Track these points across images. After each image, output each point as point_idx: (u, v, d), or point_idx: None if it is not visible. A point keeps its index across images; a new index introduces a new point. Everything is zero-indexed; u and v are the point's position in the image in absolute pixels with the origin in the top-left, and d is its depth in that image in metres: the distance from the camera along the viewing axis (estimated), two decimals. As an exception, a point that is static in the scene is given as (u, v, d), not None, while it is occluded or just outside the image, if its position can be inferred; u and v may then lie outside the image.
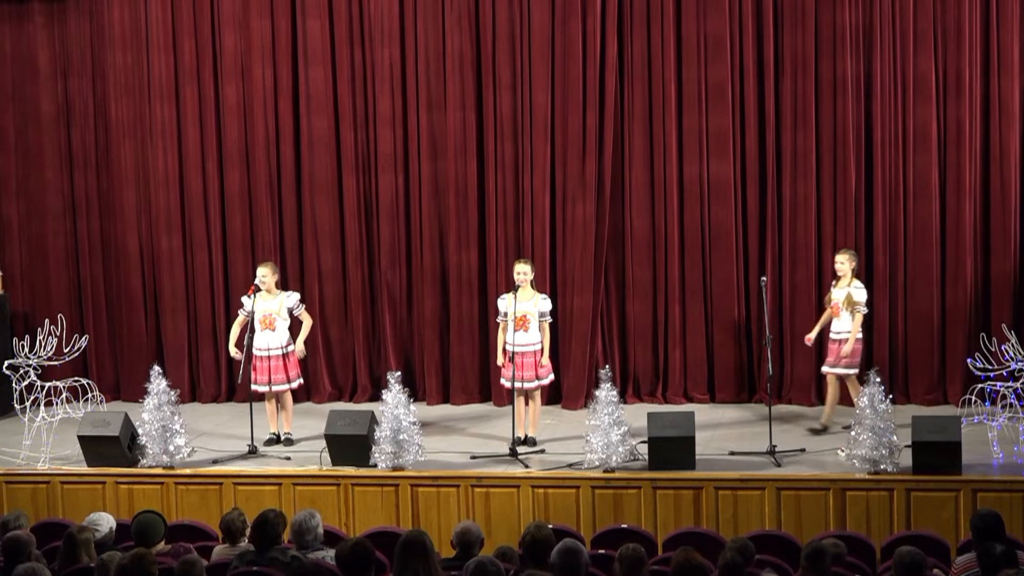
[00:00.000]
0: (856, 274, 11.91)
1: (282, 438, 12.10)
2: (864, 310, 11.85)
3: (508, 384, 11.85)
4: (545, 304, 11.90)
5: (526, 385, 11.80)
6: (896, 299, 13.05)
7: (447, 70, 13.43)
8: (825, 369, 11.99)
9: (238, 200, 13.87)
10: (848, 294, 11.77)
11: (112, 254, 14.19)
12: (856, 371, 11.88)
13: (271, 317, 11.97)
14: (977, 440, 11.05)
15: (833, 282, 11.98)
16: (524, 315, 11.73)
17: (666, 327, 13.42)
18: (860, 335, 11.86)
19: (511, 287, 11.96)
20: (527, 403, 11.92)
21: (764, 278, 12.12)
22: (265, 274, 11.99)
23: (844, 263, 11.85)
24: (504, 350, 11.88)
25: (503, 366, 11.92)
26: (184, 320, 14.00)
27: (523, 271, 11.82)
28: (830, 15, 12.90)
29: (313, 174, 13.75)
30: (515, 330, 11.70)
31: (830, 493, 10.65)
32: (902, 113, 12.88)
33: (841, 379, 11.93)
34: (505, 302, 11.86)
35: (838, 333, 11.82)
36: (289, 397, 12.20)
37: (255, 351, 11.99)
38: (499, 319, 11.95)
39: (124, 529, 9.34)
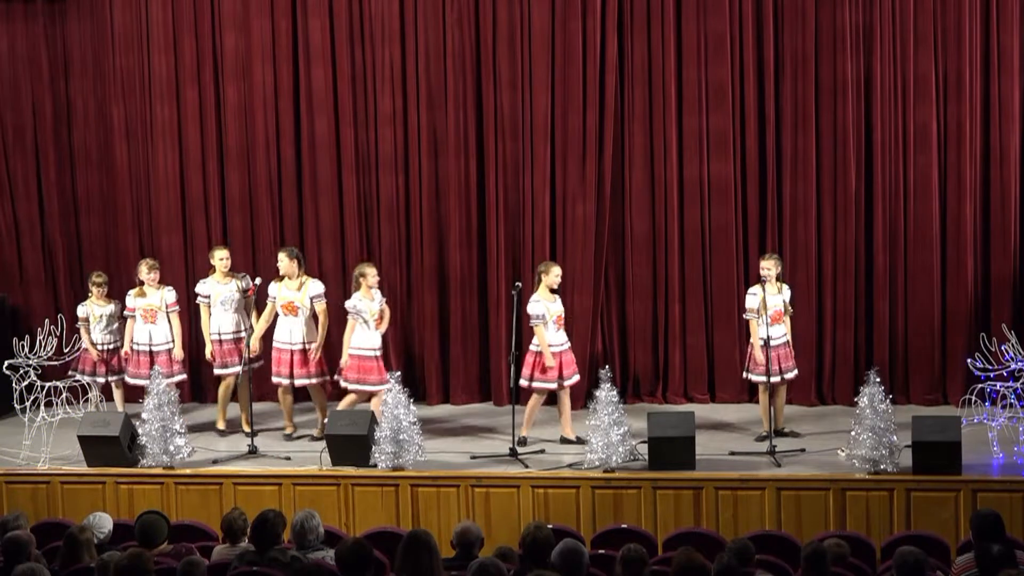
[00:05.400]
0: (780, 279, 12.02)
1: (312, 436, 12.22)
2: (791, 311, 12.09)
3: (552, 386, 11.84)
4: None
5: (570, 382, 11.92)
6: (896, 299, 13.06)
7: (447, 70, 13.43)
8: (780, 378, 11.86)
9: (238, 200, 13.87)
10: (784, 301, 11.85)
11: (113, 254, 14.18)
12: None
13: (293, 304, 12.10)
14: (977, 440, 11.06)
15: (759, 288, 11.81)
16: (560, 315, 11.88)
17: (666, 327, 13.43)
18: None
19: (511, 287, 12.01)
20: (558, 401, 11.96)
21: (764, 278, 12.12)
22: (281, 258, 12.20)
23: (772, 268, 11.82)
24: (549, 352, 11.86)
25: (552, 367, 11.88)
26: (184, 320, 13.96)
27: (558, 273, 11.94)
28: (830, 15, 12.91)
29: (313, 174, 13.75)
30: (557, 330, 11.84)
31: (830, 493, 10.66)
32: (902, 113, 12.89)
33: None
34: (542, 305, 11.84)
35: (780, 338, 11.84)
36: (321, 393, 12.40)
37: (276, 342, 12.15)
38: (535, 322, 11.88)
39: (124, 529, 9.35)
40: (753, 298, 11.85)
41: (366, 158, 13.70)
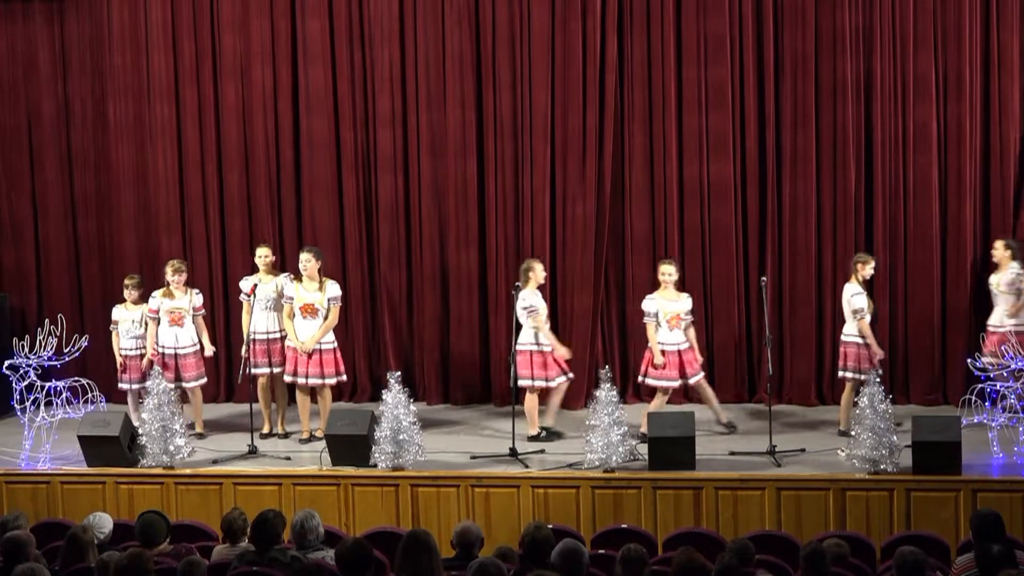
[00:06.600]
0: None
1: (313, 435, 12.14)
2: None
3: (675, 384, 11.97)
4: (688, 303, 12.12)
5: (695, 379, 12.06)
6: (896, 299, 13.05)
7: (447, 70, 13.43)
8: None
9: (238, 200, 13.86)
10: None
11: (111, 255, 14.17)
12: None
13: (313, 306, 12.05)
14: (977, 440, 11.06)
15: (859, 287, 11.84)
16: (677, 314, 11.93)
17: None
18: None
19: (511, 287, 12.01)
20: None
21: (764, 278, 12.13)
22: (308, 258, 12.08)
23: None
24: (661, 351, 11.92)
25: (663, 366, 11.91)
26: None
27: (668, 272, 11.98)
28: (830, 16, 12.91)
29: (313, 174, 13.74)
30: (670, 329, 11.90)
31: (830, 493, 10.66)
32: (902, 113, 12.89)
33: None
34: (655, 303, 11.93)
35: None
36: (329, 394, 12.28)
37: (291, 343, 12.07)
38: (645, 319, 11.95)
39: (124, 529, 9.34)
40: (860, 297, 11.77)
41: (366, 158, 13.70)
